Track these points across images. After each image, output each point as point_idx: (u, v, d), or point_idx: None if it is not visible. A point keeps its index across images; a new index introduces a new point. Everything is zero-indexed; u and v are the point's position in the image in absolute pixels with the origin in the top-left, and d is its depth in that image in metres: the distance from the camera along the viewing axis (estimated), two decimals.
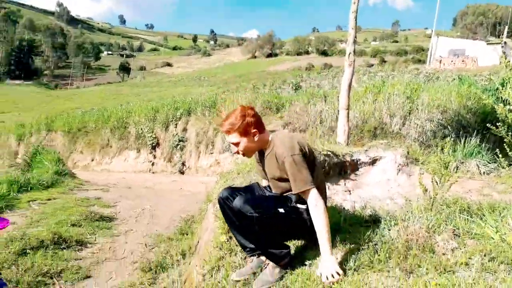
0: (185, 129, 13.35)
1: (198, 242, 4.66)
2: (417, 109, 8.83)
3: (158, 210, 7.22)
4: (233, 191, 2.61)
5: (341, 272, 2.22)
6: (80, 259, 4.81)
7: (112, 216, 6.53)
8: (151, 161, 13.76)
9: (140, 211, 7.08)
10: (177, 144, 13.16)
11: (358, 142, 8.25)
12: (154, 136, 13.57)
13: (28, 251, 4.61)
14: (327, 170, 5.31)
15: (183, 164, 13.09)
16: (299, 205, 2.47)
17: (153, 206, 7.49)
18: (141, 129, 13.84)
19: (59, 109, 37.09)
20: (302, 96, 11.32)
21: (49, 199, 6.99)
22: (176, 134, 13.32)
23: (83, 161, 15.38)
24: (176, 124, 13.53)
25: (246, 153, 2.55)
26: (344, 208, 3.37)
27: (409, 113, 8.93)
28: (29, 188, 7.43)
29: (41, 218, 5.91)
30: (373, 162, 5.60)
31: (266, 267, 2.52)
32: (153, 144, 13.62)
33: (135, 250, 5.32)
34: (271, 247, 2.45)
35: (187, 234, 5.58)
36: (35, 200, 6.81)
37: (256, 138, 2.48)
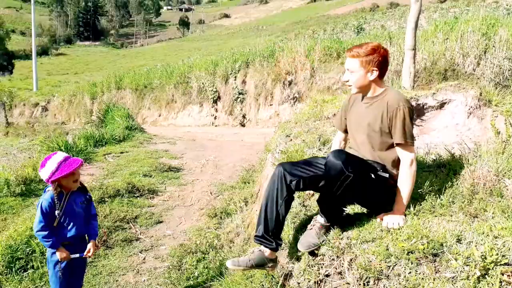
0: (244, 82, 13.38)
1: (259, 189, 4.81)
2: (494, 46, 7.98)
3: (221, 161, 7.50)
4: (293, 165, 2.43)
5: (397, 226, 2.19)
6: (153, 206, 5.22)
7: (179, 167, 6.92)
8: (213, 115, 14.11)
9: (205, 162, 7.41)
10: (237, 97, 13.29)
11: (426, 86, 7.73)
12: (215, 89, 13.80)
13: (106, 199, 5.09)
14: None
15: (244, 116, 13.27)
16: (383, 174, 2.32)
17: (217, 157, 7.79)
18: (203, 83, 14.11)
19: (126, 67, 38.86)
20: (364, 39, 10.70)
21: (122, 152, 7.55)
22: (236, 87, 13.42)
23: (151, 117, 16.18)
24: (235, 77, 13.60)
25: (355, 86, 2.39)
26: None
27: (485, 52, 8.10)
28: (104, 143, 8.06)
29: (116, 169, 6.43)
30: (441, 106, 5.26)
31: (312, 228, 2.39)
32: (215, 98, 13.89)
33: (201, 198, 5.65)
34: (339, 211, 2.37)
35: (248, 183, 5.77)
36: (109, 154, 7.39)
37: (371, 77, 2.32)
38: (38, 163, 5.90)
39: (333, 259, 2.28)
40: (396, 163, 2.36)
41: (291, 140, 4.09)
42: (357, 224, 2.37)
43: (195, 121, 14.54)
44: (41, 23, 79.06)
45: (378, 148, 2.37)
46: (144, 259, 3.95)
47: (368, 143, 2.39)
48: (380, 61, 2.31)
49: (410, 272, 1.94)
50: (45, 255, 3.43)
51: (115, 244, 4.15)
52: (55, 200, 2.60)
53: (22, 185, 5.32)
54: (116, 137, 8.38)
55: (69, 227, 2.69)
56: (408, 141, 2.27)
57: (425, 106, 5.30)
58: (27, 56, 56.78)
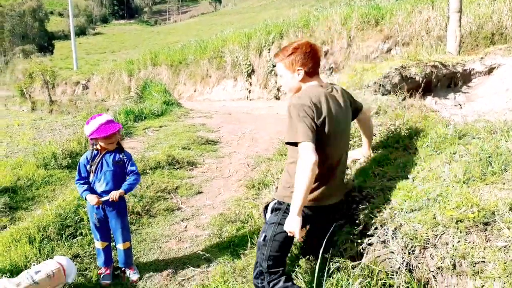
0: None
1: None
2: None
3: (257, 134, 7.50)
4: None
5: (298, 236, 2.02)
6: (192, 177, 5.33)
7: (216, 140, 6.98)
8: (247, 89, 14.06)
9: (241, 134, 7.43)
10: (271, 70, 13.12)
11: (472, 51, 7.29)
12: (249, 63, 13.68)
13: (147, 171, 5.24)
14: (434, 83, 4.87)
15: (278, 89, 13.12)
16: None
17: (253, 130, 7.78)
18: (236, 57, 14.02)
19: (160, 44, 39.24)
20: (405, 4, 10.15)
21: (160, 126, 7.70)
22: (270, 59, 13.24)
23: (186, 92, 16.36)
24: (269, 49, 13.39)
25: (287, 89, 2.31)
26: (453, 121, 3.09)
27: None
28: (143, 117, 8.25)
29: (155, 143, 6.59)
30: (490, 71, 4.96)
31: None
32: (249, 72, 13.79)
33: (238, 169, 5.69)
34: None
35: (285, 155, 5.74)
36: (149, 128, 7.57)
37: (299, 77, 2.20)
38: (81, 137, 6.15)
39: (376, 228, 2.24)
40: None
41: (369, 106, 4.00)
42: (400, 194, 2.30)
43: (230, 95, 14.56)
44: (77, 4, 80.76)
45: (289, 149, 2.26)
46: (186, 227, 4.06)
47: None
48: (303, 58, 2.19)
49: (459, 241, 1.87)
50: None
51: (157, 213, 4.28)
52: (90, 157, 3.03)
53: (68, 158, 5.57)
54: (155, 111, 8.56)
55: (99, 183, 3.04)
56: (291, 140, 2.07)
57: (472, 72, 5.03)
58: (66, 37, 58.48)
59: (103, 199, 2.98)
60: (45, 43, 51.87)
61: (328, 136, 2.13)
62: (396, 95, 3.69)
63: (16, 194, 4.74)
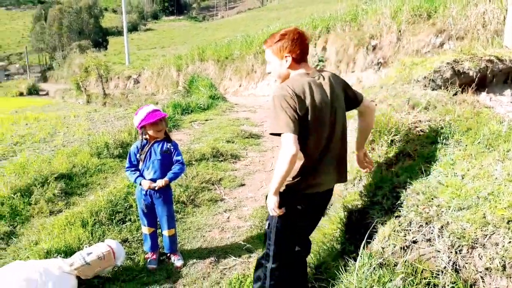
0: (324, 48, 12.98)
1: None
2: None
3: None
4: None
5: (277, 211, 2.18)
6: (235, 170, 5.42)
7: (259, 134, 7.04)
8: None
9: None
10: (317, 65, 12.94)
11: None
12: None
13: (193, 162, 5.39)
14: (489, 78, 4.61)
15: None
16: None
17: None
18: None
19: (208, 40, 39.94)
20: None
21: (206, 120, 7.89)
22: (316, 54, 13.08)
23: (232, 87, 16.56)
24: (315, 44, 13.23)
25: (276, 76, 2.31)
26: (507, 118, 2.92)
27: None
28: (190, 111, 8.48)
29: (201, 135, 6.76)
30: None
31: None
32: None
33: None
34: None
35: None
36: (195, 121, 7.77)
37: (286, 64, 2.20)
38: (132, 129, 6.43)
39: (421, 226, 2.18)
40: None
41: (376, 105, 3.91)
42: (448, 191, 2.21)
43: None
44: (130, 1, 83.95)
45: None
46: (228, 218, 4.15)
47: None
48: (290, 45, 2.18)
49: (510, 242, 1.78)
50: None
51: (202, 203, 4.41)
52: (139, 146, 3.20)
53: (119, 148, 5.85)
54: (201, 105, 8.76)
55: (148, 171, 3.19)
56: (273, 131, 2.08)
57: None
58: (119, 33, 61.00)
59: (153, 184, 3.12)
60: (100, 38, 54.38)
61: (312, 126, 2.14)
62: (447, 90, 3.54)
63: (71, 181, 5.05)
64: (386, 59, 11.17)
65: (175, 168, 3.20)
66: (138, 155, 3.22)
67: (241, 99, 13.55)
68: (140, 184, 3.17)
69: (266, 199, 2.42)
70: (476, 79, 4.33)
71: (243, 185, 4.99)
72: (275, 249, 2.35)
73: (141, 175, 3.20)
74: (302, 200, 2.30)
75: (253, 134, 6.94)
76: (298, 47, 2.20)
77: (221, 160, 5.64)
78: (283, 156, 2.02)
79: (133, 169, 3.24)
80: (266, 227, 2.39)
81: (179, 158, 3.25)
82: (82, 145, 6.65)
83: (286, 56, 2.20)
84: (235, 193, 4.76)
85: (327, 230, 3.07)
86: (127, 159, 3.28)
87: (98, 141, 6.06)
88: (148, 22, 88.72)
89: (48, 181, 4.74)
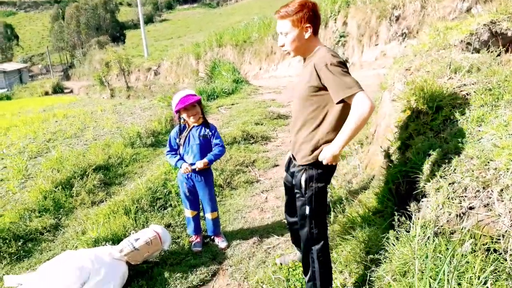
0: (345, 23, 12.67)
1: (375, 130, 4.62)
2: None
3: None
4: None
5: (333, 161, 2.15)
6: (267, 151, 5.40)
7: (287, 114, 6.98)
8: None
9: None
10: (338, 41, 12.70)
11: None
12: None
13: (225, 146, 5.39)
14: None
15: (346, 60, 12.67)
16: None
17: None
18: None
19: (224, 25, 39.68)
20: None
21: (232, 104, 7.87)
22: (337, 29, 12.80)
23: (252, 71, 16.45)
24: (335, 19, 12.93)
25: (292, 49, 2.18)
26: None
27: None
28: (215, 96, 8.48)
29: (229, 120, 6.75)
30: None
31: None
32: None
33: None
34: None
35: None
36: (222, 106, 7.77)
37: (306, 35, 2.12)
38: (162, 117, 6.48)
39: (478, 191, 2.09)
40: (330, 122, 2.17)
41: (411, 73, 3.77)
42: (505, 153, 2.12)
43: (296, 70, 14.37)
44: None
45: (310, 110, 2.18)
46: (266, 198, 4.15)
47: (301, 107, 2.22)
48: (311, 15, 2.10)
49: None
50: (179, 196, 3.87)
51: (238, 186, 4.42)
52: (178, 131, 3.23)
53: (152, 137, 5.92)
54: (226, 90, 8.75)
55: (187, 155, 3.21)
56: (347, 94, 1.98)
57: None
58: (136, 26, 61.42)
59: (192, 167, 3.13)
60: (117, 33, 54.92)
61: None
62: (489, 51, 3.37)
63: (109, 171, 5.15)
64: (410, 29, 10.81)
65: (215, 150, 3.21)
66: (177, 139, 3.24)
67: (262, 82, 13.46)
68: (181, 167, 3.19)
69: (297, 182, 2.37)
70: None
71: (277, 165, 4.97)
72: (318, 230, 2.34)
73: (182, 159, 3.22)
74: (332, 173, 2.37)
75: (281, 115, 6.89)
76: (318, 18, 2.16)
77: (252, 143, 5.63)
78: (362, 111, 1.97)
79: (173, 153, 3.26)
80: (307, 212, 2.30)
81: (217, 141, 3.25)
82: (113, 137, 6.76)
83: (307, 27, 2.12)
84: (270, 174, 4.75)
85: (372, 203, 3.02)
86: (168, 143, 3.31)
87: (130, 131, 6.14)
88: (163, 12, 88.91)
89: (87, 173, 4.85)
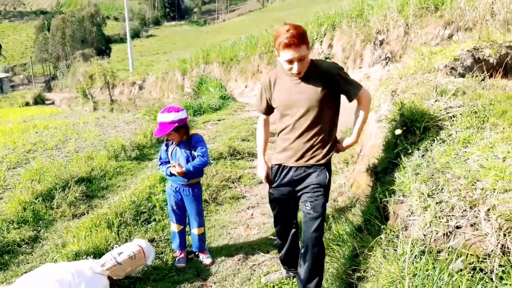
0: (330, 45, 12.95)
1: (361, 149, 4.68)
2: None
3: None
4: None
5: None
6: (253, 167, 5.38)
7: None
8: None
9: None
10: None
11: None
12: None
13: (211, 161, 5.36)
14: (510, 65, 4.56)
15: None
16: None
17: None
18: None
19: (210, 43, 40.01)
20: None
21: (219, 120, 7.88)
22: (322, 51, 13.06)
23: (237, 88, 16.56)
24: (321, 41, 13.22)
25: (304, 70, 2.34)
26: None
27: None
28: (202, 112, 8.48)
29: (215, 135, 6.74)
30: None
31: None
32: None
33: None
34: None
35: None
36: (208, 121, 7.77)
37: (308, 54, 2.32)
38: (147, 131, 6.42)
39: (464, 210, 2.13)
40: (336, 120, 2.61)
41: (398, 95, 3.86)
42: (491, 174, 2.17)
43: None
44: (131, 8, 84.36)
45: (321, 116, 2.42)
46: (252, 215, 4.12)
47: (311, 115, 2.41)
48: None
49: None
50: (164, 210, 3.81)
51: (224, 201, 4.38)
52: (165, 146, 3.27)
53: (136, 150, 5.85)
54: (213, 106, 8.77)
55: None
56: (359, 87, 2.47)
57: None
58: (122, 40, 61.37)
59: (174, 166, 3.05)
60: (103, 46, 54.68)
61: None
62: (473, 76, 3.49)
63: (91, 184, 5.04)
64: (393, 54, 11.11)
65: (196, 160, 3.11)
66: (166, 154, 3.23)
67: (247, 99, 13.53)
68: (170, 174, 3.13)
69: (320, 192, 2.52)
70: (498, 66, 4.29)
71: (263, 182, 4.96)
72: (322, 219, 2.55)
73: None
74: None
75: None
76: None
77: (239, 159, 5.62)
78: (369, 98, 2.61)
79: (162, 165, 3.25)
80: (326, 205, 2.55)
81: (199, 152, 3.15)
82: (96, 149, 6.65)
83: (308, 47, 2.31)
84: (256, 190, 4.73)
85: (358, 221, 3.03)
86: (159, 156, 3.33)
87: (114, 144, 6.05)
88: (150, 28, 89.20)
89: (68, 185, 4.73)
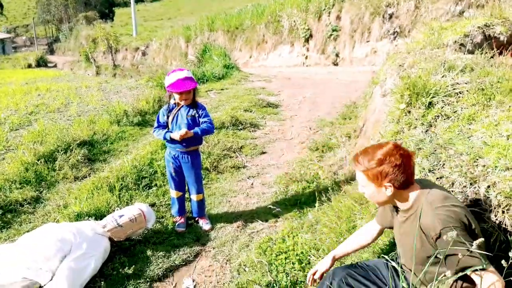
0: (338, 17, 12.66)
1: (363, 124, 4.66)
2: None
3: (318, 98, 7.38)
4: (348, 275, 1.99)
5: None
6: (255, 138, 5.39)
7: (277, 103, 6.98)
8: (304, 55, 13.75)
9: (302, 98, 7.35)
10: (331, 34, 12.70)
11: None
12: (307, 27, 13.31)
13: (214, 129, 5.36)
14: None
15: (337, 55, 12.72)
16: None
17: (313, 94, 7.67)
18: (294, 21, 13.68)
19: (215, 10, 39.13)
20: None
21: (222, 89, 7.81)
22: (329, 23, 12.78)
23: (242, 58, 16.31)
24: (329, 13, 12.90)
25: (374, 202, 1.91)
26: None
27: None
28: (205, 80, 8.39)
29: (218, 104, 6.71)
30: None
31: None
32: (306, 37, 13.45)
33: (300, 132, 5.67)
34: None
35: (350, 119, 5.63)
36: (211, 90, 7.70)
37: (388, 193, 1.77)
38: (150, 97, 6.38)
39: (465, 186, 2.14)
40: None
41: (404, 69, 3.81)
42: (494, 151, 2.16)
43: (286, 61, 14.34)
44: None
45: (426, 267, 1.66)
46: (252, 184, 4.15)
47: (418, 264, 1.76)
48: (391, 173, 1.72)
49: None
50: (165, 176, 3.83)
51: (225, 170, 4.41)
52: (167, 109, 3.18)
53: (139, 116, 5.83)
54: (216, 75, 8.67)
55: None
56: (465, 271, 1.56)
57: None
58: (125, 4, 60.03)
59: (180, 132, 3.01)
60: (106, 9, 53.46)
61: None
62: (482, 53, 3.43)
63: (93, 147, 5.06)
64: (402, 28, 10.89)
65: (203, 125, 3.12)
66: (165, 118, 3.19)
67: (252, 70, 13.39)
68: (170, 139, 3.11)
69: None
70: (507, 44, 4.20)
71: (264, 153, 4.98)
72: None
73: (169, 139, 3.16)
74: None
75: (271, 103, 6.88)
76: (402, 175, 1.74)
77: (241, 129, 5.61)
78: None
79: (161, 128, 3.20)
80: None
81: (205, 119, 3.17)
82: (98, 114, 6.63)
83: (386, 186, 1.77)
84: (257, 161, 4.75)
85: (357, 194, 3.05)
86: (156, 119, 3.24)
87: (116, 109, 6.03)
88: None
89: (70, 147, 4.75)
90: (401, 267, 1.92)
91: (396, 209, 1.90)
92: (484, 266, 1.54)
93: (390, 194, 1.78)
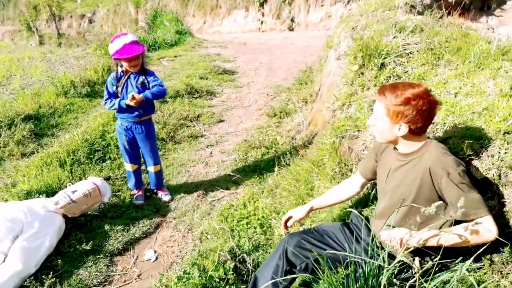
0: None
1: (319, 88, 4.69)
2: None
3: (274, 64, 7.33)
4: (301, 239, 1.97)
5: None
6: (212, 106, 5.30)
7: (233, 70, 6.86)
8: (259, 20, 13.53)
9: (258, 65, 7.27)
10: None
11: None
12: None
13: (167, 99, 5.20)
14: (467, 5, 4.60)
15: (292, 20, 12.61)
16: None
17: (269, 60, 7.60)
18: None
19: None
20: None
21: (175, 56, 7.54)
22: None
23: (195, 24, 15.78)
24: None
25: (379, 136, 1.83)
26: (494, 39, 2.93)
27: None
28: (156, 47, 8.06)
29: (172, 72, 6.49)
30: None
31: None
32: (261, 1, 13.18)
33: (258, 99, 5.64)
34: None
35: (306, 83, 5.64)
36: (164, 57, 7.42)
37: (399, 133, 1.72)
38: (98, 66, 6.06)
39: None
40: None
41: (357, 32, 3.82)
42: (442, 108, 2.24)
43: (241, 27, 14.05)
44: None
45: (417, 221, 1.58)
46: (211, 153, 4.11)
47: (401, 213, 1.76)
48: (414, 115, 1.66)
49: (506, 152, 1.84)
50: (119, 149, 3.69)
51: (182, 140, 4.32)
52: (115, 78, 3.01)
53: (87, 87, 5.53)
54: (168, 41, 8.34)
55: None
56: (478, 215, 1.58)
57: None
58: None
59: (134, 96, 2.86)
60: None
61: None
62: (431, 14, 3.50)
63: (40, 122, 4.77)
64: None
65: (153, 88, 2.96)
66: (114, 87, 3.01)
67: (206, 36, 13.02)
68: (126, 106, 2.94)
69: None
70: (455, 4, 4.32)
71: (222, 121, 4.92)
72: None
73: (121, 107, 3.00)
74: None
75: (227, 70, 6.75)
76: (422, 120, 1.68)
77: (197, 97, 5.48)
78: (486, 239, 1.57)
79: (109, 100, 3.01)
80: None
81: (156, 82, 3.00)
82: (43, 86, 6.22)
83: (401, 125, 1.71)
84: (215, 129, 4.69)
85: (315, 157, 3.10)
86: (105, 90, 3.04)
87: (63, 80, 5.68)
88: None
89: (15, 122, 4.44)
90: (368, 222, 1.99)
91: (394, 150, 1.85)
92: (484, 213, 1.58)
93: (401, 135, 1.73)
